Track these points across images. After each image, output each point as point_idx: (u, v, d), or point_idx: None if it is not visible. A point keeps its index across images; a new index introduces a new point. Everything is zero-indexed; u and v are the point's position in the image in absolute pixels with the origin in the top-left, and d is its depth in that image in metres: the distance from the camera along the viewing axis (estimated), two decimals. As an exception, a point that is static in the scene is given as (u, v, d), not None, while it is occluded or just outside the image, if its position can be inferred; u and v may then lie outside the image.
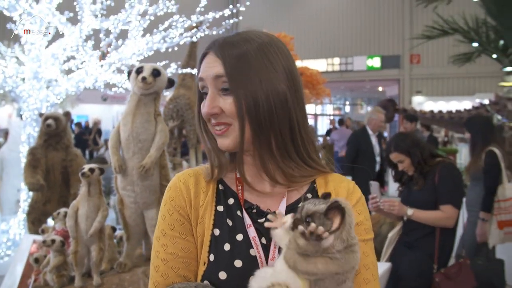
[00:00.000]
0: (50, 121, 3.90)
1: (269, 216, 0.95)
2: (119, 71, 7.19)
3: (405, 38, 16.49)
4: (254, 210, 1.05)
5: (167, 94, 9.10)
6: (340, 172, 1.14)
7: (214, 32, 8.35)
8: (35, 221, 4.10)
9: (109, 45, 6.92)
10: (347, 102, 24.95)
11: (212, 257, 1.00)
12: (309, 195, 1.08)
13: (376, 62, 17.83)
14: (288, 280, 0.87)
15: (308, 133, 1.06)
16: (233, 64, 0.97)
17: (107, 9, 7.14)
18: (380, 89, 19.91)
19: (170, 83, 2.44)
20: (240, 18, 8.45)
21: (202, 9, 7.11)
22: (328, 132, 12.68)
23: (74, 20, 6.93)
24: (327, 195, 0.94)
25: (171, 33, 7.10)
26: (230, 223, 1.03)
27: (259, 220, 1.03)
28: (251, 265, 0.97)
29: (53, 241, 2.37)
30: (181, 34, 7.11)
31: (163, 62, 7.92)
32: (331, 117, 19.36)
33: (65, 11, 6.91)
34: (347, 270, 0.89)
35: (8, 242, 5.37)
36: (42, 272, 2.47)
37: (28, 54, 6.86)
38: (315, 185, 1.09)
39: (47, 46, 6.95)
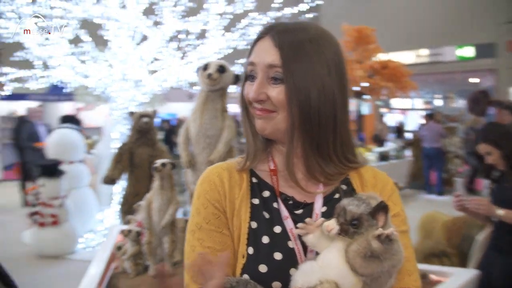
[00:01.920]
0: (146, 119, 4.11)
1: (299, 225, 0.94)
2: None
3: (500, 22, 15.19)
4: (290, 202, 1.03)
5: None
6: None
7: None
8: (127, 212, 4.39)
9: (188, 45, 7.19)
10: (438, 95, 23.69)
11: (251, 250, 0.99)
12: (343, 187, 1.06)
13: (468, 51, 16.69)
14: (339, 277, 0.86)
15: (348, 134, 1.04)
16: (290, 56, 0.96)
17: (189, 10, 7.42)
18: (473, 80, 18.60)
19: (236, 79, 2.49)
20: (316, 14, 8.33)
21: (279, 5, 7.11)
22: (420, 128, 12.14)
23: (158, 23, 7.28)
24: (350, 192, 0.95)
25: (249, 30, 7.20)
26: (267, 215, 1.01)
27: (295, 212, 1.02)
28: (290, 258, 0.96)
29: (129, 231, 2.53)
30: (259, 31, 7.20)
31: (244, 60, 8.06)
32: (423, 112, 18.52)
33: (149, 15, 7.28)
34: (399, 259, 0.88)
35: (104, 231, 5.81)
36: (120, 260, 2.64)
37: (117, 57, 7.32)
38: (348, 177, 1.07)
39: (134, 49, 7.38)
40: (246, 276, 0.96)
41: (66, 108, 14.45)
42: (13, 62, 7.03)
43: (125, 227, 3.13)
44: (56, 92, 13.37)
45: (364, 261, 0.85)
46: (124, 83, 7.52)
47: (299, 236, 0.97)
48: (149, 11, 7.13)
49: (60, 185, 5.51)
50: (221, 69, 2.39)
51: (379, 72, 10.74)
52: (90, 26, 7.28)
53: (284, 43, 0.97)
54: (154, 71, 7.70)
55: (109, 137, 8.51)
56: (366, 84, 10.79)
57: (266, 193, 1.04)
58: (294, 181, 1.01)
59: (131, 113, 4.52)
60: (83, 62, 7.46)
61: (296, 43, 0.97)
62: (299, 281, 0.89)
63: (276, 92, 0.97)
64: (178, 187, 2.59)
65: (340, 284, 0.86)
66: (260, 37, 1.03)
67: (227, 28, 7.33)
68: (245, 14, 7.20)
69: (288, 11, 7.15)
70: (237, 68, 8.01)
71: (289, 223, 1.00)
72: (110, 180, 4.26)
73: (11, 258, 5.44)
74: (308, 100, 0.95)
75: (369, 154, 8.88)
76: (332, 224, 0.88)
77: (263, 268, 0.96)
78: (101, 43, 7.32)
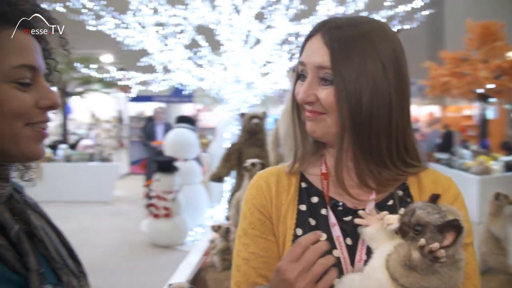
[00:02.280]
0: (256, 120, 4.22)
1: (360, 212, 0.90)
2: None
3: None
4: (340, 208, 0.98)
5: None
6: None
7: (407, 26, 7.99)
8: (234, 209, 4.59)
9: (297, 47, 7.24)
10: None
11: None
12: (399, 192, 0.98)
13: None
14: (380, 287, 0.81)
15: (408, 139, 0.96)
16: (340, 56, 0.90)
17: (299, 13, 7.48)
18: None
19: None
20: (433, 10, 7.81)
21: (392, 3, 6.83)
22: None
23: (270, 27, 7.45)
24: (435, 198, 0.85)
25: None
26: (313, 222, 0.98)
27: (344, 219, 0.97)
28: (336, 267, 0.88)
29: (219, 227, 2.65)
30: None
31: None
32: None
33: (262, 19, 7.49)
34: (449, 287, 0.80)
35: (212, 226, 6.13)
36: (211, 254, 2.77)
37: (231, 61, 7.65)
38: (406, 182, 1.00)
39: (247, 52, 7.66)
40: None
41: (187, 109, 15.44)
42: (138, 67, 7.71)
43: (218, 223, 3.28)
44: (178, 94, 14.35)
45: (404, 270, 0.79)
46: (237, 85, 7.84)
47: (347, 246, 0.93)
48: (260, 16, 7.34)
49: (174, 180, 5.92)
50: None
51: (508, 72, 9.78)
52: (206, 32, 7.72)
53: (334, 42, 0.91)
54: (266, 74, 7.91)
55: (222, 137, 8.95)
56: (492, 86, 9.90)
57: (315, 199, 1.01)
58: (343, 188, 0.95)
59: (242, 114, 4.69)
60: (199, 66, 7.94)
61: (346, 41, 0.90)
62: None
63: (326, 94, 0.92)
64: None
65: None
66: (311, 34, 0.97)
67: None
68: (356, 14, 7.07)
69: (401, 8, 6.87)
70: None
71: (336, 230, 0.95)
72: (217, 178, 4.47)
73: (131, 244, 6.01)
74: (359, 103, 0.89)
75: (494, 163, 8.11)
76: (393, 219, 0.83)
77: None
78: (216, 47, 7.72)
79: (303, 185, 1.03)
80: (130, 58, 8.85)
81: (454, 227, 0.78)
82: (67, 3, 6.29)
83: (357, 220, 0.90)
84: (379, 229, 0.86)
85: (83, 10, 6.40)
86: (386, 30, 0.95)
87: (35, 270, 0.75)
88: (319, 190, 1.01)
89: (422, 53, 14.87)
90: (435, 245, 0.75)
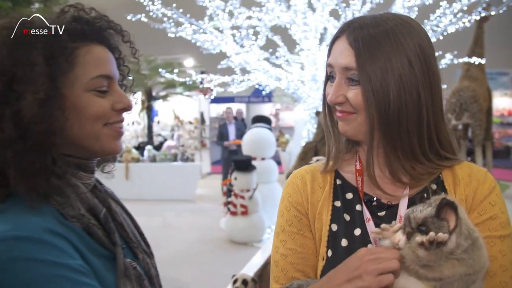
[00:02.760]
0: (324, 126, 4.25)
1: (375, 230, 0.91)
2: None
3: None
4: (374, 203, 1.00)
5: (444, 87, 8.60)
6: None
7: (493, 13, 7.50)
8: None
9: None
10: None
11: (330, 253, 0.99)
12: (433, 186, 0.98)
13: None
14: (408, 284, 0.83)
15: (441, 132, 0.96)
16: (365, 56, 0.91)
17: (376, 7, 7.31)
18: None
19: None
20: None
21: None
22: None
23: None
24: (422, 198, 0.86)
25: (441, 22, 6.75)
26: (347, 218, 1.00)
27: (378, 214, 0.98)
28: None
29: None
30: (450, 21, 6.67)
31: (436, 54, 7.60)
32: None
33: (340, 14, 7.43)
34: (477, 269, 0.80)
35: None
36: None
37: (307, 59, 7.67)
38: (440, 175, 0.99)
39: (324, 51, 7.65)
40: None
41: (266, 109, 15.67)
42: (218, 69, 8.00)
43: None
44: (258, 95, 14.60)
45: (422, 269, 0.80)
46: (313, 84, 7.85)
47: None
48: (336, 13, 7.28)
49: (251, 179, 6.06)
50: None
51: None
52: (282, 31, 7.81)
53: (358, 42, 0.92)
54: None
55: (299, 136, 9.00)
56: None
57: (349, 195, 1.03)
58: (375, 184, 0.96)
59: (317, 113, 4.70)
60: (276, 66, 8.06)
61: (370, 40, 0.91)
62: None
63: (354, 94, 0.93)
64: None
65: None
66: (337, 36, 0.98)
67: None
68: (435, 5, 6.77)
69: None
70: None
71: (370, 225, 0.97)
72: None
73: (210, 240, 6.26)
74: (387, 102, 0.90)
75: None
76: (398, 236, 0.84)
77: None
78: (292, 47, 7.79)
79: (338, 182, 1.05)
80: (210, 61, 9.21)
81: (448, 205, 0.79)
82: (150, 13, 6.69)
83: (373, 235, 0.92)
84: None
85: (164, 19, 6.77)
86: (411, 25, 0.94)
87: (120, 245, 0.89)
88: (354, 186, 1.03)
89: (514, 42, 13.81)
90: (431, 234, 0.77)
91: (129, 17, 6.84)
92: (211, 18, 6.82)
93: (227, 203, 6.26)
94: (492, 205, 0.94)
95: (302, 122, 8.63)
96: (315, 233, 1.02)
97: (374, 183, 0.97)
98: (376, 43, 0.91)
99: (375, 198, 1.00)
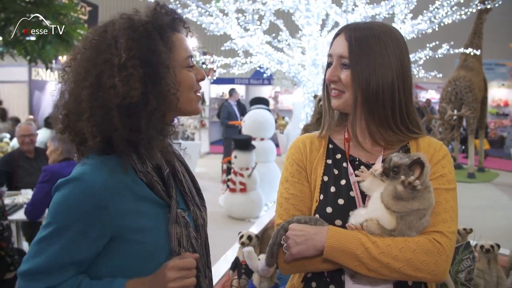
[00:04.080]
0: (322, 102, 4.46)
1: (356, 172, 1.26)
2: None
3: None
4: (357, 162, 1.32)
5: (440, 75, 8.84)
6: None
7: (489, 6, 7.70)
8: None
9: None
10: None
11: (321, 197, 1.30)
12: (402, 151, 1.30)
13: None
14: (379, 215, 1.17)
15: (410, 113, 1.29)
16: (355, 47, 1.24)
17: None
18: None
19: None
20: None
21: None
22: None
23: (346, 11, 7.55)
24: (407, 150, 1.27)
25: (438, 13, 6.97)
26: (336, 172, 1.32)
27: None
28: (351, 204, 1.26)
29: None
30: (446, 13, 6.88)
31: (432, 44, 7.84)
32: None
33: (342, 2, 7.62)
34: (426, 206, 1.15)
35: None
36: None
37: (308, 44, 7.88)
38: (407, 144, 1.32)
39: (325, 36, 7.85)
40: (317, 215, 1.28)
41: (266, 91, 15.86)
42: (221, 51, 8.21)
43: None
44: (258, 77, 14.77)
45: (393, 200, 1.14)
46: (313, 68, 8.08)
47: (360, 190, 1.26)
48: (337, 0, 7.47)
49: (250, 158, 6.33)
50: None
51: None
52: (285, 16, 8.01)
53: (352, 38, 1.25)
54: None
55: (298, 118, 9.25)
56: None
57: (338, 156, 1.35)
58: (357, 141, 1.30)
59: (314, 96, 4.94)
60: (279, 49, 8.26)
61: (361, 38, 1.24)
62: (351, 221, 1.21)
63: (345, 75, 1.26)
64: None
65: (380, 221, 1.16)
66: (337, 34, 1.31)
67: (415, 12, 7.20)
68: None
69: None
70: (426, 53, 7.79)
71: (353, 178, 1.29)
72: None
73: (209, 215, 6.53)
74: (368, 82, 1.23)
75: None
76: (378, 167, 1.19)
77: (329, 210, 1.27)
78: (295, 31, 7.99)
79: (330, 146, 1.38)
80: (214, 43, 9.40)
81: (418, 163, 1.14)
82: (157, -6, 6.87)
83: (355, 178, 1.27)
84: (371, 181, 1.22)
85: (171, 0, 6.96)
86: (393, 32, 1.29)
87: (174, 198, 1.16)
88: (342, 149, 1.36)
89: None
90: (412, 178, 1.12)
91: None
92: (217, 1, 7.01)
93: (226, 181, 6.52)
94: (443, 167, 1.27)
95: (301, 105, 8.88)
96: (311, 182, 1.34)
97: (356, 140, 1.31)
98: (364, 40, 1.25)
99: (357, 159, 1.33)
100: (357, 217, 1.21)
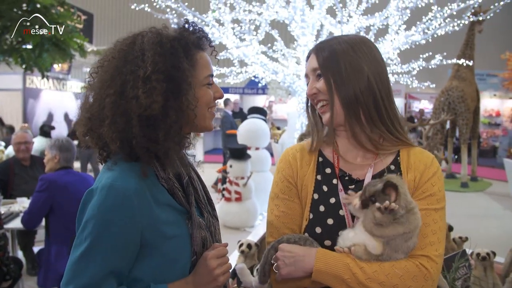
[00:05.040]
0: (308, 119, 4.49)
1: (342, 196, 1.24)
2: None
3: None
4: (347, 178, 1.29)
5: (433, 86, 8.92)
6: None
7: (481, 18, 7.82)
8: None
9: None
10: None
11: (311, 216, 1.28)
12: (392, 167, 1.28)
13: None
14: (366, 241, 1.15)
15: (393, 108, 1.28)
16: (324, 58, 1.27)
17: (372, 6, 7.59)
18: None
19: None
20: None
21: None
22: None
23: (341, 22, 7.62)
24: (381, 174, 1.23)
25: (431, 25, 7.06)
26: (325, 189, 1.29)
27: (349, 187, 1.28)
28: (340, 223, 1.24)
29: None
30: (439, 24, 6.98)
31: (425, 54, 7.93)
32: None
33: (337, 13, 7.69)
34: (411, 229, 1.14)
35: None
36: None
37: (303, 54, 7.94)
38: (398, 158, 1.29)
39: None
40: (306, 234, 1.27)
41: (260, 100, 15.91)
42: (216, 61, 8.23)
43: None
44: (253, 86, 14.83)
45: (376, 227, 1.13)
46: (308, 78, 8.12)
47: (364, 190, 1.24)
48: (332, 10, 7.55)
49: (246, 167, 6.34)
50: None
51: None
52: (280, 26, 8.07)
53: (319, 51, 1.29)
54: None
55: (292, 128, 9.29)
56: None
57: (328, 170, 1.32)
58: (346, 152, 1.31)
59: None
60: (273, 59, 8.32)
61: (327, 48, 1.28)
62: (340, 242, 1.20)
63: (320, 84, 1.27)
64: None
65: (367, 246, 1.15)
66: (309, 55, 1.34)
67: (410, 24, 7.29)
68: (428, 8, 7.07)
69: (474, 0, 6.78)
70: (419, 63, 7.88)
71: (342, 195, 1.26)
72: None
73: (205, 224, 6.52)
74: (342, 85, 1.24)
75: None
76: (355, 201, 1.17)
77: (318, 230, 1.26)
78: (290, 41, 8.05)
79: (320, 159, 1.35)
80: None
81: (391, 186, 1.12)
82: (154, 4, 6.92)
83: (342, 200, 1.25)
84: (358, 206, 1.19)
85: (167, 10, 7.00)
86: (360, 38, 1.31)
87: (194, 205, 1.21)
88: (332, 163, 1.33)
89: (506, 44, 14.16)
90: (386, 203, 1.10)
91: (132, 6, 7.07)
92: (213, 11, 7.06)
93: (222, 190, 6.53)
94: (433, 185, 1.24)
95: (296, 114, 8.92)
96: (302, 199, 1.32)
97: (345, 159, 1.31)
98: (331, 49, 1.28)
99: (347, 174, 1.30)
100: (345, 239, 1.20)
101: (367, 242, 1.15)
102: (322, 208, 1.27)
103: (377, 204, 1.11)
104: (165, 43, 1.12)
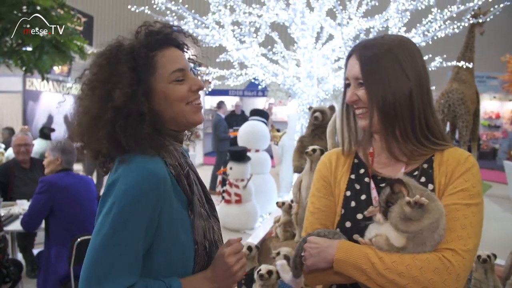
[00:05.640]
0: (317, 114, 4.42)
1: (367, 211, 1.26)
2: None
3: None
4: (379, 177, 1.34)
5: (434, 88, 8.92)
6: None
7: (480, 20, 7.82)
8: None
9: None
10: None
11: (343, 211, 1.36)
12: (424, 165, 1.31)
13: None
14: (388, 231, 1.18)
15: (430, 121, 1.30)
16: (367, 67, 1.28)
17: (372, 9, 7.59)
18: None
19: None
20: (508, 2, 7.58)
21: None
22: None
23: (341, 24, 7.63)
24: (429, 169, 1.27)
25: (431, 27, 7.05)
26: (358, 187, 1.37)
27: (381, 185, 1.31)
28: (369, 219, 1.26)
29: (283, 203, 3.01)
30: (439, 27, 6.97)
31: (426, 57, 7.92)
32: None
33: (337, 15, 7.69)
34: (437, 217, 1.12)
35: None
36: (274, 227, 3.14)
37: (303, 56, 7.94)
38: (432, 157, 1.31)
39: (320, 49, 7.91)
40: (337, 229, 1.33)
41: (260, 102, 15.90)
42: (216, 63, 8.22)
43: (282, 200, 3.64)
44: (252, 88, 14.82)
45: (404, 223, 1.13)
46: (309, 80, 8.13)
47: (379, 202, 1.27)
48: (332, 12, 7.55)
49: (246, 169, 6.34)
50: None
51: None
52: (280, 28, 8.07)
53: (362, 57, 1.29)
54: (339, 69, 8.13)
55: (292, 130, 9.28)
56: None
57: (362, 171, 1.39)
58: (380, 156, 1.35)
59: (309, 108, 4.96)
60: (273, 61, 8.31)
61: (371, 56, 1.28)
62: (366, 235, 1.24)
63: (362, 93, 1.30)
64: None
65: (389, 236, 1.17)
66: (350, 55, 1.35)
67: (410, 25, 7.29)
68: (427, 10, 7.07)
69: (475, 2, 6.78)
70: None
71: (374, 193, 1.32)
72: (300, 169, 4.76)
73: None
74: (383, 99, 1.26)
75: None
76: (378, 217, 1.20)
77: (348, 224, 1.32)
78: (290, 43, 8.05)
79: (355, 161, 1.43)
80: (209, 54, 9.46)
81: (396, 182, 1.14)
82: (154, 6, 6.92)
83: (366, 213, 1.27)
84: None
85: (167, 12, 7.00)
86: (404, 41, 1.32)
87: (197, 194, 1.23)
88: (365, 164, 1.40)
89: (506, 46, 14.18)
90: (417, 197, 1.10)
91: (132, 8, 7.07)
92: (213, 13, 7.06)
93: (221, 192, 6.53)
94: (465, 180, 1.23)
95: (296, 116, 8.92)
96: (335, 197, 1.40)
97: (365, 156, 1.36)
98: (374, 57, 1.28)
99: (380, 173, 1.35)
100: (370, 230, 1.23)
101: (389, 233, 1.17)
102: (353, 204, 1.35)
103: (407, 198, 1.11)
104: (110, 54, 1.18)
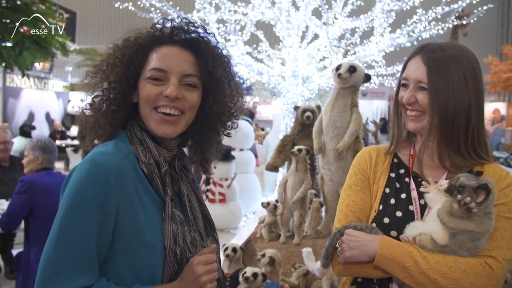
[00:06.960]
0: (309, 114, 4.36)
1: (423, 183, 1.28)
2: (368, 67, 7.60)
3: None
4: (419, 179, 1.35)
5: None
6: None
7: (464, 22, 7.91)
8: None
9: (351, 44, 7.37)
10: None
11: (381, 207, 1.36)
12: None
13: None
14: (433, 229, 1.19)
15: (481, 136, 1.31)
16: (434, 73, 1.27)
17: (357, 8, 7.62)
18: None
19: (367, 78, 2.72)
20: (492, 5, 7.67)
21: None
22: None
23: (327, 23, 7.64)
24: (479, 173, 1.23)
25: (416, 27, 7.10)
26: (398, 185, 1.37)
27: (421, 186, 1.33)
28: (408, 217, 1.30)
29: (268, 203, 2.98)
30: (424, 27, 7.02)
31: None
32: None
33: (322, 14, 7.69)
34: (481, 231, 1.16)
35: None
36: (260, 227, 3.11)
37: (289, 56, 7.92)
38: (473, 169, 1.31)
39: (305, 48, 7.91)
40: (373, 224, 1.33)
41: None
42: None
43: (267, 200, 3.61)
44: (237, 87, 14.74)
45: (447, 216, 1.16)
46: (293, 79, 8.12)
47: (420, 205, 1.30)
48: (318, 12, 7.55)
49: (230, 168, 6.30)
50: (352, 69, 2.65)
51: None
52: (265, 27, 8.04)
53: (430, 61, 1.28)
54: (324, 68, 8.14)
55: (278, 129, 9.27)
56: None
57: (402, 171, 1.40)
58: (420, 167, 1.34)
59: (296, 108, 4.92)
60: (258, 60, 8.28)
61: (439, 61, 1.27)
62: (407, 233, 1.25)
63: (422, 97, 1.29)
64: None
65: (433, 235, 1.19)
66: (412, 56, 1.34)
67: (395, 26, 7.33)
68: (412, 11, 7.11)
69: (459, 4, 6.85)
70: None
71: (414, 193, 1.33)
72: (272, 167, 4.72)
73: (189, 226, 6.45)
74: (446, 107, 1.25)
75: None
76: (444, 183, 1.21)
77: (386, 220, 1.33)
78: (275, 42, 8.03)
79: (395, 160, 1.43)
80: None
81: (485, 189, 1.15)
82: (138, 3, 6.83)
83: (421, 189, 1.28)
84: (435, 194, 1.25)
85: (152, 9, 6.92)
86: (466, 52, 1.31)
87: (170, 196, 1.15)
88: (406, 165, 1.41)
89: (488, 48, 14.39)
90: (468, 199, 1.13)
91: (116, 5, 6.98)
92: (197, 10, 7.00)
93: (205, 191, 6.48)
94: (506, 195, 1.26)
95: (281, 116, 8.90)
96: (373, 192, 1.41)
97: (419, 165, 1.35)
98: (443, 63, 1.27)
99: (421, 176, 1.35)
100: (412, 229, 1.25)
101: (434, 231, 1.19)
102: (392, 201, 1.35)
103: (459, 197, 1.15)
104: (116, 46, 1.18)
